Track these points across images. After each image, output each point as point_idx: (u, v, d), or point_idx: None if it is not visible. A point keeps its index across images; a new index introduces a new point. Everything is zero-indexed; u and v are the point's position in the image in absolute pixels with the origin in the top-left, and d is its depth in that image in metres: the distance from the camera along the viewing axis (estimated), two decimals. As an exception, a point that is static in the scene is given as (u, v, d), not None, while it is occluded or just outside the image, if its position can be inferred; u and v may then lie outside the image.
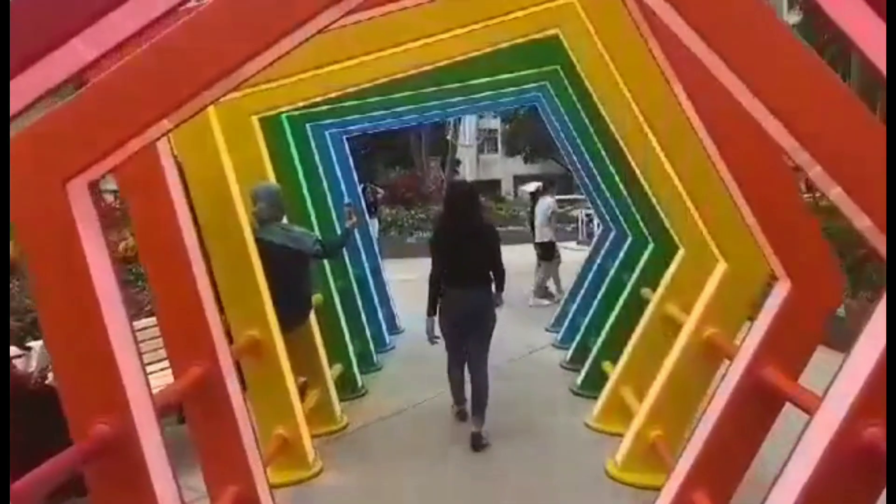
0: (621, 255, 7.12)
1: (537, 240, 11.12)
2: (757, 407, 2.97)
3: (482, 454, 5.01)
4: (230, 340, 3.89)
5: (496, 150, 41.66)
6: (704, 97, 2.71)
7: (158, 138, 2.51)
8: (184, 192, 3.14)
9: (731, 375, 3.10)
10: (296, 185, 6.09)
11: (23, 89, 1.78)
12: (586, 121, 6.46)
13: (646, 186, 5.26)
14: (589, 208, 15.90)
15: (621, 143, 5.24)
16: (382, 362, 7.55)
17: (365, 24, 3.54)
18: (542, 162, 35.76)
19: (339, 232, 6.21)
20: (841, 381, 2.21)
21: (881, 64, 1.77)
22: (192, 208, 3.42)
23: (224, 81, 2.16)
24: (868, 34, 1.78)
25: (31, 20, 1.76)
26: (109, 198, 10.58)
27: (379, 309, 8.43)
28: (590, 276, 8.36)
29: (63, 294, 2.24)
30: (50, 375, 3.72)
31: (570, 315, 8.25)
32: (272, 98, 4.66)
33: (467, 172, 37.08)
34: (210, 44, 2.10)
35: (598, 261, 8.35)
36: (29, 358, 4.07)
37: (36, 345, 4.11)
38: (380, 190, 16.23)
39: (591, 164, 7.45)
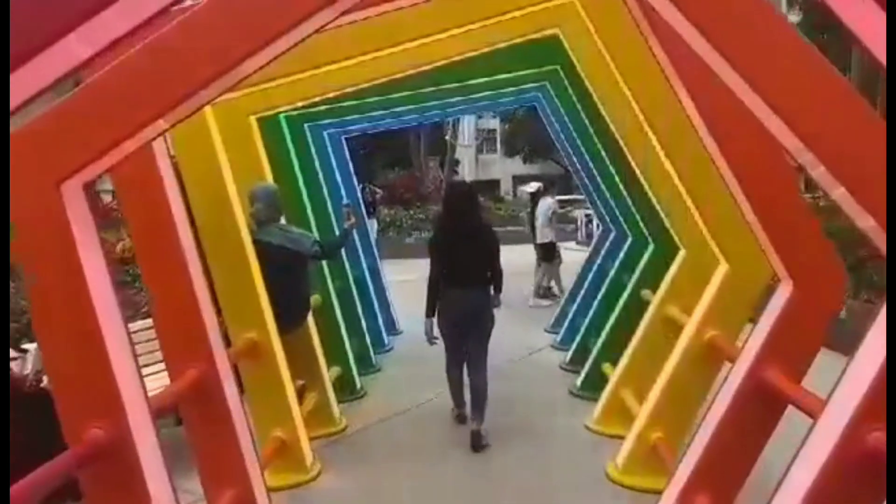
0: (621, 255, 7.10)
1: (538, 241, 11.10)
2: (759, 410, 2.94)
3: (481, 456, 4.98)
4: (228, 342, 3.87)
5: (495, 150, 41.66)
6: (705, 95, 2.68)
7: (154, 138, 2.48)
8: (180, 193, 3.12)
9: (732, 378, 3.08)
10: (294, 186, 6.06)
11: (16, 87, 1.76)
12: (586, 121, 6.44)
13: (646, 186, 5.24)
14: (588, 209, 15.89)
15: (621, 142, 5.21)
16: (381, 364, 7.53)
17: (363, 24, 3.52)
18: (541, 162, 35.77)
19: (337, 233, 6.19)
20: (844, 384, 2.19)
21: (881, 55, 1.74)
22: (188, 209, 3.39)
23: (220, 81, 2.13)
24: (868, 25, 1.76)
25: (25, 17, 1.73)
26: (107, 198, 10.53)
27: (377, 310, 8.40)
28: (590, 276, 8.34)
29: (57, 296, 2.21)
30: (45, 378, 3.69)
31: (569, 316, 8.23)
32: (270, 98, 4.63)
33: (466, 172, 37.08)
34: (206, 43, 2.07)
35: (598, 261, 8.32)
36: (24, 360, 4.04)
37: (31, 347, 4.08)
38: (378, 190, 16.21)
39: (590, 164, 7.43)
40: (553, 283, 11.37)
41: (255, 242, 4.36)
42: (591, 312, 7.19)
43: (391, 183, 26.77)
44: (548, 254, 11.10)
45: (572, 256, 12.56)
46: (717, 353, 3.94)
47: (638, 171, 5.18)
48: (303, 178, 6.31)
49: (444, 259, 5.26)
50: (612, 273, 7.15)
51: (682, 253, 4.95)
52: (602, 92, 5.12)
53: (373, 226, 11.81)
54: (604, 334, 6.28)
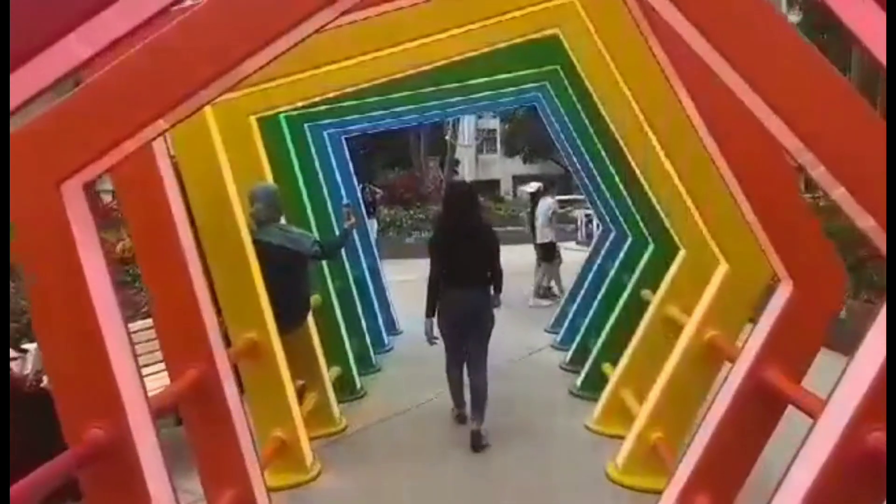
0: (621, 255, 7.10)
1: (538, 241, 11.09)
2: (759, 410, 2.94)
3: (481, 456, 4.98)
4: (228, 342, 3.87)
5: (495, 150, 41.66)
6: (705, 95, 2.68)
7: (154, 138, 2.48)
8: (180, 193, 3.11)
9: (732, 378, 3.07)
10: (294, 186, 6.06)
11: (16, 87, 1.75)
12: (586, 121, 6.43)
13: (646, 186, 5.23)
14: (588, 209, 15.88)
15: (621, 142, 5.21)
16: (381, 364, 7.52)
17: (363, 24, 3.52)
18: (540, 162, 35.76)
19: (337, 233, 6.18)
20: (845, 384, 2.19)
21: (881, 55, 1.74)
22: (188, 209, 3.39)
23: (220, 81, 2.13)
24: (868, 25, 1.76)
25: (25, 16, 1.72)
26: (107, 198, 10.53)
27: (378, 310, 8.40)
28: (590, 276, 8.34)
29: (57, 296, 2.20)
30: (45, 378, 3.69)
31: (569, 316, 8.23)
32: (270, 98, 4.63)
33: (466, 172, 37.08)
34: (205, 43, 2.07)
35: (598, 262, 8.32)
36: (24, 360, 4.04)
37: (31, 347, 4.08)
38: (378, 190, 16.21)
39: (590, 164, 7.42)
40: (553, 283, 11.37)
41: (255, 242, 4.36)
42: (591, 312, 7.18)
43: (391, 183, 26.77)
44: (548, 254, 11.09)
45: (572, 256, 12.56)
46: (717, 353, 3.94)
47: (638, 171, 5.18)
48: (303, 178, 6.31)
49: (444, 259, 5.26)
50: (612, 273, 7.15)
51: (682, 253, 4.95)
52: (602, 92, 5.12)
53: (373, 226, 11.80)
54: (604, 334, 6.28)
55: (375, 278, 8.75)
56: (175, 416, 4.30)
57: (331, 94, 5.16)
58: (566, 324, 8.22)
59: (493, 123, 40.09)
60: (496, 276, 5.33)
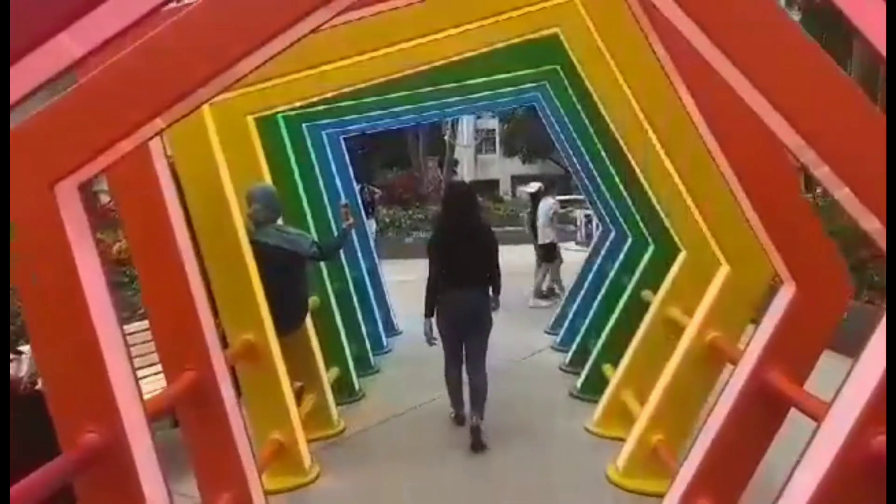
0: (621, 256, 7.06)
1: (539, 241, 11.06)
2: (762, 412, 2.92)
3: (481, 458, 4.95)
4: (225, 344, 3.84)
5: (494, 150, 41.65)
6: (705, 92, 2.65)
7: (151, 138, 2.45)
8: (177, 194, 3.09)
9: (735, 380, 3.05)
10: (292, 186, 6.04)
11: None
12: (586, 121, 6.41)
13: (646, 186, 5.21)
14: (587, 209, 15.85)
15: (621, 142, 5.19)
16: (380, 365, 7.49)
17: (360, 24, 3.49)
18: (540, 162, 35.76)
19: (336, 233, 6.16)
20: (848, 388, 2.16)
21: (881, 47, 1.71)
22: (185, 210, 3.36)
23: (216, 80, 2.10)
24: (869, 16, 1.73)
25: (16, 13, 1.69)
26: (105, 198, 10.51)
27: (376, 311, 8.37)
28: (589, 277, 8.31)
29: (51, 298, 2.18)
30: (40, 381, 3.66)
31: (569, 317, 8.20)
32: (267, 98, 4.60)
33: (465, 172, 37.09)
34: (201, 42, 2.05)
35: (598, 262, 8.29)
36: (19, 363, 4.01)
37: (27, 349, 4.04)
38: (377, 190, 16.19)
39: (590, 164, 7.40)
40: (554, 284, 11.34)
41: (253, 243, 4.33)
42: (591, 313, 7.15)
43: (390, 183, 26.78)
44: (549, 254, 11.06)
45: (572, 257, 12.53)
46: (719, 355, 3.91)
47: (638, 171, 5.15)
48: (301, 178, 6.28)
49: (444, 259, 5.25)
50: (612, 274, 7.11)
51: (682, 254, 4.92)
52: (602, 91, 5.09)
53: (371, 226, 11.77)
54: (604, 335, 6.24)
55: (374, 279, 8.72)
56: (171, 418, 4.27)
57: (328, 94, 5.14)
58: (566, 325, 8.19)
59: (492, 123, 40.10)
60: (495, 277, 5.32)
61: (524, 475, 4.67)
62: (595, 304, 7.14)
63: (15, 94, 1.74)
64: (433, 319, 5.29)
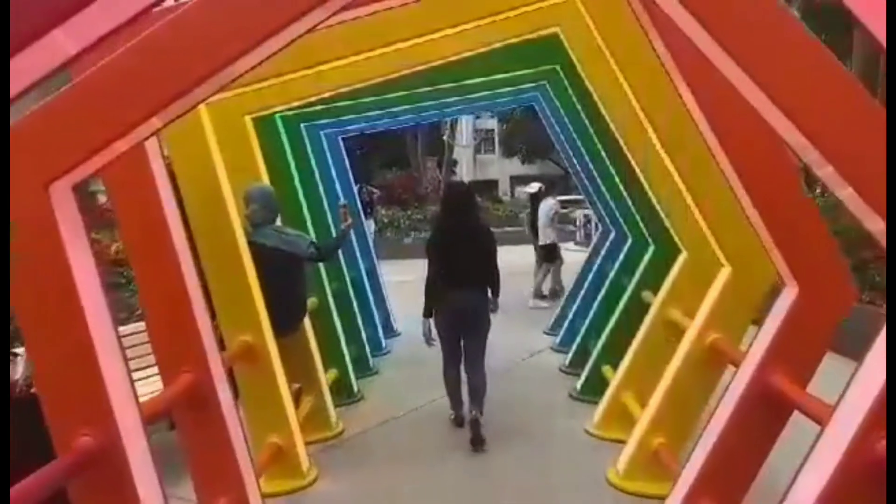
0: (621, 257, 7.04)
1: (540, 242, 11.03)
2: (764, 415, 2.89)
3: (480, 460, 4.92)
4: (222, 346, 3.81)
5: (493, 150, 41.64)
6: (705, 89, 2.62)
7: (147, 138, 2.42)
8: (174, 194, 3.06)
9: (737, 382, 3.02)
10: (290, 187, 6.01)
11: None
12: (586, 121, 6.39)
13: (646, 186, 5.19)
14: (587, 209, 15.83)
15: (621, 142, 5.16)
16: (379, 366, 7.47)
17: (354, 24, 3.48)
18: (539, 163, 35.74)
19: (334, 234, 6.13)
20: (852, 391, 2.14)
21: (881, 37, 1.68)
22: (182, 210, 3.33)
23: (212, 80, 2.07)
24: (870, 7, 1.71)
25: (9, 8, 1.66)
26: (102, 199, 10.46)
27: (375, 312, 8.34)
28: (589, 277, 8.28)
29: (45, 300, 2.15)
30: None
31: (569, 318, 8.17)
32: (265, 98, 4.58)
33: (464, 173, 37.06)
34: (196, 41, 2.02)
35: (598, 262, 8.27)
36: (14, 364, 3.97)
37: (21, 351, 4.01)
38: (376, 191, 16.16)
39: (590, 164, 7.38)
40: (556, 286, 11.32)
41: (251, 244, 4.31)
42: (590, 314, 7.12)
43: (389, 183, 26.77)
44: (550, 255, 11.04)
45: (571, 257, 12.51)
46: (720, 357, 3.89)
47: (638, 171, 5.13)
48: (299, 178, 6.26)
49: (442, 259, 5.24)
50: (612, 275, 7.09)
51: (683, 255, 4.89)
52: (602, 91, 5.07)
53: (370, 226, 11.74)
54: (604, 337, 6.21)
55: (373, 279, 8.69)
56: (168, 420, 4.24)
57: (326, 95, 5.12)
58: (566, 325, 8.16)
59: (491, 124, 40.08)
60: (494, 279, 5.31)
61: (524, 477, 4.64)
62: (595, 305, 7.11)
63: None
64: (432, 320, 5.29)
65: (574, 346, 7.19)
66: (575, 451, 5.04)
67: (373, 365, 7.39)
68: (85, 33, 1.75)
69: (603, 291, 7.07)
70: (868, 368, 2.09)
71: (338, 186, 7.97)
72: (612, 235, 8.08)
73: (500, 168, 40.85)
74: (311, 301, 5.65)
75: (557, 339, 8.23)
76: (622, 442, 4.55)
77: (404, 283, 9.16)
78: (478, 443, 5.04)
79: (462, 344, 5.37)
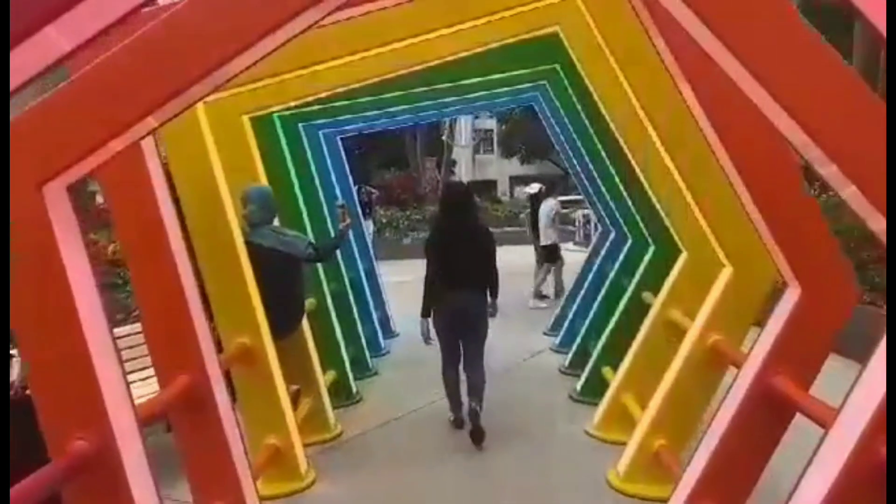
0: (621, 257, 7.02)
1: (542, 242, 11.01)
2: (767, 417, 2.86)
3: (480, 462, 4.90)
4: (220, 348, 3.78)
5: (492, 150, 41.61)
6: (706, 85, 2.60)
7: (143, 137, 2.39)
8: (171, 194, 3.03)
9: (739, 384, 2.99)
10: (288, 187, 5.98)
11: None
12: (586, 121, 6.36)
13: (646, 186, 5.16)
14: (586, 209, 15.81)
15: (621, 142, 5.14)
16: (377, 367, 7.44)
17: (352, 24, 3.46)
18: (538, 163, 35.72)
19: (332, 234, 6.10)
20: (856, 394, 2.12)
21: (882, 27, 1.66)
22: (179, 210, 3.30)
23: (208, 79, 2.05)
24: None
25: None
26: (100, 199, 10.43)
27: (374, 312, 8.32)
28: (589, 277, 8.26)
29: (39, 302, 2.12)
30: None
31: (568, 318, 8.15)
32: (262, 97, 4.55)
33: (463, 173, 37.01)
34: (191, 40, 1.99)
35: (598, 263, 8.25)
36: (10, 366, 3.94)
37: (17, 353, 3.98)
38: (374, 191, 16.12)
39: (590, 165, 7.35)
40: (557, 285, 11.31)
41: (248, 245, 4.28)
42: (590, 315, 7.10)
43: (388, 183, 26.75)
44: (551, 255, 11.02)
45: (570, 257, 12.49)
46: (721, 359, 3.87)
47: (638, 171, 5.11)
48: (297, 178, 6.24)
49: (441, 260, 5.24)
50: (611, 275, 7.07)
51: (683, 255, 4.87)
52: (602, 90, 5.04)
53: (369, 227, 11.71)
54: (604, 338, 6.19)
55: (371, 280, 8.67)
56: (164, 422, 4.21)
57: (322, 94, 5.09)
58: (565, 326, 8.14)
59: (490, 124, 40.05)
60: (493, 281, 5.30)
61: (524, 479, 4.62)
62: (595, 306, 7.09)
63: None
64: (430, 320, 5.28)
65: (574, 347, 7.17)
66: (575, 452, 5.01)
67: (371, 366, 7.36)
68: (78, 30, 1.72)
69: (603, 292, 7.05)
70: (872, 371, 2.07)
71: (336, 186, 7.94)
72: (612, 236, 8.06)
73: (499, 168, 40.83)
74: (310, 302, 5.63)
75: (557, 340, 8.21)
76: (622, 444, 4.52)
77: (403, 283, 9.14)
78: (477, 435, 5.03)
79: (461, 345, 5.36)
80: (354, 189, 9.59)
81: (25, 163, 2.01)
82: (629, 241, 6.98)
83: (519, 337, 8.42)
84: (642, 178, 5.14)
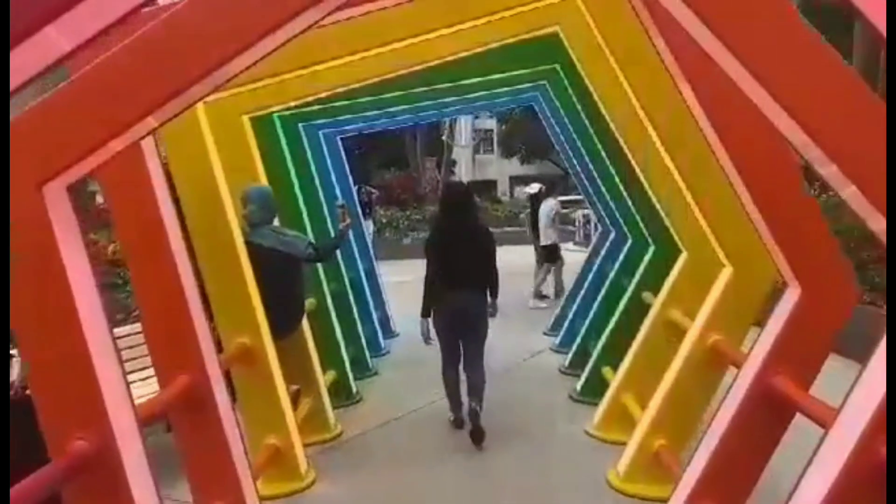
0: (621, 257, 7.01)
1: (542, 242, 11.00)
2: (766, 417, 2.86)
3: (479, 462, 4.89)
4: (220, 348, 3.78)
5: (492, 150, 41.59)
6: (705, 85, 2.59)
7: (143, 137, 2.39)
8: (171, 194, 3.03)
9: (739, 384, 2.99)
10: (288, 187, 5.98)
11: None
12: (586, 121, 6.36)
13: (646, 186, 5.16)
14: (586, 209, 15.80)
15: (621, 141, 5.14)
16: (377, 367, 7.43)
17: (352, 24, 3.46)
18: (538, 163, 35.71)
19: (332, 234, 6.10)
20: (857, 394, 2.11)
21: (882, 26, 1.66)
22: (179, 210, 3.30)
23: (208, 79, 2.04)
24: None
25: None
26: (101, 199, 10.42)
27: (374, 312, 8.31)
28: (589, 277, 8.25)
29: (39, 302, 2.12)
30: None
31: (568, 318, 8.14)
32: (262, 97, 4.55)
33: (463, 173, 36.99)
34: (190, 41, 1.99)
35: (598, 263, 8.24)
36: (10, 366, 3.94)
37: (17, 352, 3.98)
38: (374, 191, 16.12)
39: (590, 165, 7.35)
40: (557, 285, 11.31)
41: (248, 245, 4.28)
42: (590, 315, 7.10)
43: (388, 183, 26.74)
44: (552, 255, 11.02)
45: (570, 257, 12.48)
46: (721, 359, 3.86)
47: (638, 171, 5.10)
48: (297, 178, 6.23)
49: (441, 260, 5.24)
50: (611, 275, 7.06)
51: (683, 255, 4.87)
52: (602, 90, 5.04)
53: (369, 227, 11.70)
54: (604, 338, 6.18)
55: (371, 280, 8.67)
56: (164, 422, 4.20)
57: (322, 94, 5.08)
58: (565, 326, 8.14)
59: (490, 124, 40.03)
60: (492, 281, 5.30)
61: (524, 479, 4.62)
62: (595, 306, 7.08)
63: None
64: (430, 319, 5.29)
65: (574, 347, 7.16)
66: (575, 452, 5.01)
67: (371, 366, 7.36)
68: (78, 30, 1.72)
69: (603, 292, 7.05)
70: (872, 371, 2.06)
71: (336, 186, 7.94)
72: (612, 236, 8.06)
73: (499, 168, 40.82)
74: (310, 302, 5.63)
75: (557, 340, 8.20)
76: (622, 444, 4.52)
77: (403, 283, 9.13)
78: (477, 435, 5.04)
79: (461, 344, 5.36)
80: (354, 189, 9.59)
81: (25, 163, 2.01)
82: (629, 241, 6.98)
83: (519, 337, 8.42)
84: (642, 178, 5.13)
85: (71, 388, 2.15)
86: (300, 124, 6.61)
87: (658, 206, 5.13)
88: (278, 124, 5.94)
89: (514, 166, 38.31)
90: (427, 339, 5.34)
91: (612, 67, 4.26)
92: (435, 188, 26.89)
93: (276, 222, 4.84)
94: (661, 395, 4.21)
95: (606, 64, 4.33)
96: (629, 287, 6.16)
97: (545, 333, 8.86)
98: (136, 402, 2.43)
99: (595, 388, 5.81)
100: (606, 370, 5.81)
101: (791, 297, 2.87)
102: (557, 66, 6.11)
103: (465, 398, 5.39)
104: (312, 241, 5.10)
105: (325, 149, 7.82)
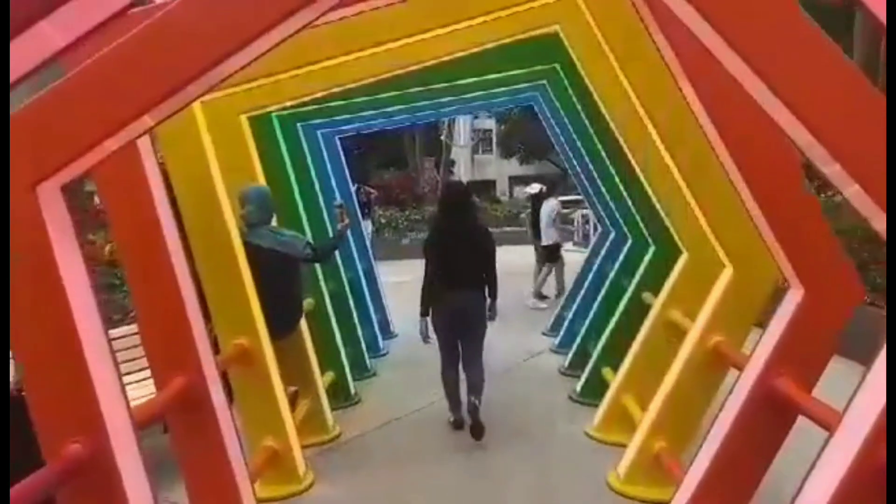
0: (621, 257, 6.99)
1: (543, 242, 10.99)
2: (769, 419, 2.84)
3: (479, 463, 4.87)
4: (217, 349, 3.75)
5: (491, 150, 41.56)
6: (706, 84, 2.57)
7: (139, 136, 2.36)
8: (167, 194, 3.00)
9: (741, 385, 2.97)
10: (286, 187, 5.95)
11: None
12: (586, 121, 6.34)
13: (646, 186, 5.14)
14: (586, 209, 15.78)
15: (621, 141, 5.11)
16: (376, 368, 7.41)
17: (349, 23, 3.43)
18: (537, 163, 35.69)
19: (331, 234, 6.07)
20: (861, 397, 2.09)
21: (882, 16, 1.64)
22: (176, 210, 3.27)
23: (203, 79, 2.02)
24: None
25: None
26: (97, 199, 10.39)
27: (372, 313, 8.28)
28: (589, 278, 8.23)
29: (33, 303, 2.09)
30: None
31: (568, 318, 8.12)
32: (258, 97, 4.52)
33: (462, 173, 36.95)
34: (185, 39, 1.97)
35: (597, 263, 8.22)
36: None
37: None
38: (373, 191, 16.08)
39: (590, 165, 7.33)
40: (558, 286, 11.29)
41: (246, 245, 4.25)
42: (590, 316, 7.07)
43: (386, 183, 26.71)
44: (553, 255, 11.00)
45: (569, 257, 12.46)
46: (722, 360, 3.84)
47: (638, 171, 5.08)
48: (296, 178, 6.20)
49: (440, 260, 5.25)
50: (611, 275, 7.04)
51: (684, 255, 4.84)
52: (602, 90, 5.02)
53: (367, 227, 11.68)
54: (604, 338, 6.16)
55: (370, 280, 8.64)
56: (161, 424, 4.18)
57: (318, 94, 5.05)
58: (565, 326, 8.11)
59: (489, 124, 39.97)
60: (491, 282, 5.29)
61: (523, 481, 4.60)
62: (595, 306, 7.06)
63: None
64: (429, 319, 5.29)
65: (574, 348, 7.14)
66: (575, 454, 4.99)
67: (370, 367, 7.33)
68: (72, 25, 1.69)
69: (603, 292, 7.03)
70: (876, 374, 2.04)
71: (335, 186, 7.91)
72: (612, 236, 8.04)
73: (498, 168, 40.79)
74: (308, 302, 5.61)
75: (557, 341, 8.17)
76: (623, 445, 4.50)
77: (402, 283, 9.10)
78: (477, 430, 5.02)
79: (459, 344, 5.35)
80: (353, 189, 9.56)
81: (18, 162, 1.98)
82: (629, 242, 6.96)
83: (518, 337, 8.40)
84: (642, 178, 5.11)
85: (66, 391, 2.13)
86: (298, 124, 6.59)
87: (658, 206, 5.11)
88: (276, 124, 5.92)
89: (514, 166, 38.28)
90: (426, 339, 5.34)
91: (612, 67, 4.24)
92: (434, 188, 26.87)
93: (274, 222, 4.82)
94: (662, 397, 4.19)
95: (607, 63, 4.30)
96: (629, 287, 6.14)
97: (544, 334, 8.84)
98: (133, 403, 2.40)
99: (595, 390, 5.78)
100: (606, 371, 5.79)
101: (793, 297, 2.85)
102: (557, 66, 6.08)
103: (464, 398, 5.37)
104: (311, 241, 5.07)
105: (323, 149, 7.80)
